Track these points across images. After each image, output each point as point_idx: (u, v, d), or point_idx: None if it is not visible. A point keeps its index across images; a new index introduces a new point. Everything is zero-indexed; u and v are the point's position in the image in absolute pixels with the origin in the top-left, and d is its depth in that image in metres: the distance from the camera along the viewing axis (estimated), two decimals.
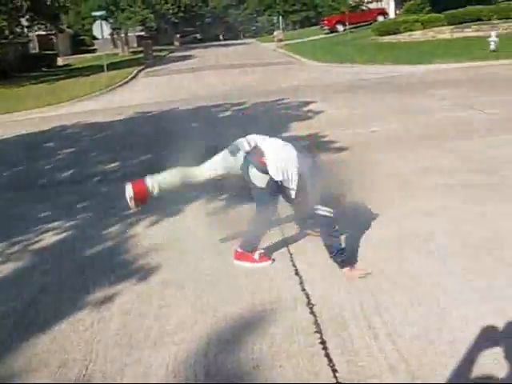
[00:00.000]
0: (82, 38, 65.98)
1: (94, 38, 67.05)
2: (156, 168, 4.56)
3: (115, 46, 56.05)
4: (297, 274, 4.14)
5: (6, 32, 27.47)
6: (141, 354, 3.26)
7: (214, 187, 5.76)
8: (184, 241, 5.05)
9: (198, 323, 3.56)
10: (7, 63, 35.58)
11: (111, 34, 42.76)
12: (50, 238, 5.44)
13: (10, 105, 18.96)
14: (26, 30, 30.30)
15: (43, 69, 37.51)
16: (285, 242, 4.73)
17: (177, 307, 3.80)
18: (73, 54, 54.33)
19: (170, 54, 43.97)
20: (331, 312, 3.52)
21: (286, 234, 4.90)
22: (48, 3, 27.78)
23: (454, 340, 3.12)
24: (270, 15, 78.03)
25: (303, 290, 3.87)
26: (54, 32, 45.99)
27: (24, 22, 29.41)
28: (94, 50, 61.62)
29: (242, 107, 13.56)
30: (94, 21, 24.70)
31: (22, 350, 3.39)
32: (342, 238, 4.20)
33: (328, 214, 3.86)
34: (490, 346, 3.01)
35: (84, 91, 20.57)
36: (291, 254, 4.51)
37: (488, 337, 3.12)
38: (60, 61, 45.45)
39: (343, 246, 4.04)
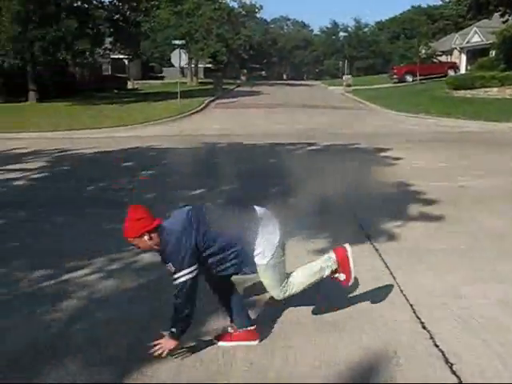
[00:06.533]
0: (151, 64, 68.02)
1: (163, 65, 69.29)
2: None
3: (183, 75, 57.33)
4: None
5: (87, 54, 28.56)
6: None
7: None
8: None
9: None
10: (82, 82, 36.90)
11: (188, 64, 43.50)
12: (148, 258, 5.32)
13: (86, 122, 19.45)
14: (108, 52, 31.44)
15: (114, 91, 38.60)
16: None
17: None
18: (141, 79, 55.83)
19: (237, 88, 44.65)
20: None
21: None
22: (131, 30, 28.74)
23: None
24: (335, 59, 78.98)
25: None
26: (126, 57, 47.41)
27: (106, 45, 30.50)
28: (161, 78, 63.32)
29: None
30: (174, 49, 25.27)
31: None
32: None
33: None
34: None
35: (156, 116, 20.92)
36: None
37: None
38: (130, 84, 46.74)
39: None
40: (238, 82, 57.66)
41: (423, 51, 40.61)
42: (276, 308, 4.12)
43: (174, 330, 3.31)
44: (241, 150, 13.57)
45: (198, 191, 8.49)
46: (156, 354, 3.28)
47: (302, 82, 67.27)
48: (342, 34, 76.47)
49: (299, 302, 4.18)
